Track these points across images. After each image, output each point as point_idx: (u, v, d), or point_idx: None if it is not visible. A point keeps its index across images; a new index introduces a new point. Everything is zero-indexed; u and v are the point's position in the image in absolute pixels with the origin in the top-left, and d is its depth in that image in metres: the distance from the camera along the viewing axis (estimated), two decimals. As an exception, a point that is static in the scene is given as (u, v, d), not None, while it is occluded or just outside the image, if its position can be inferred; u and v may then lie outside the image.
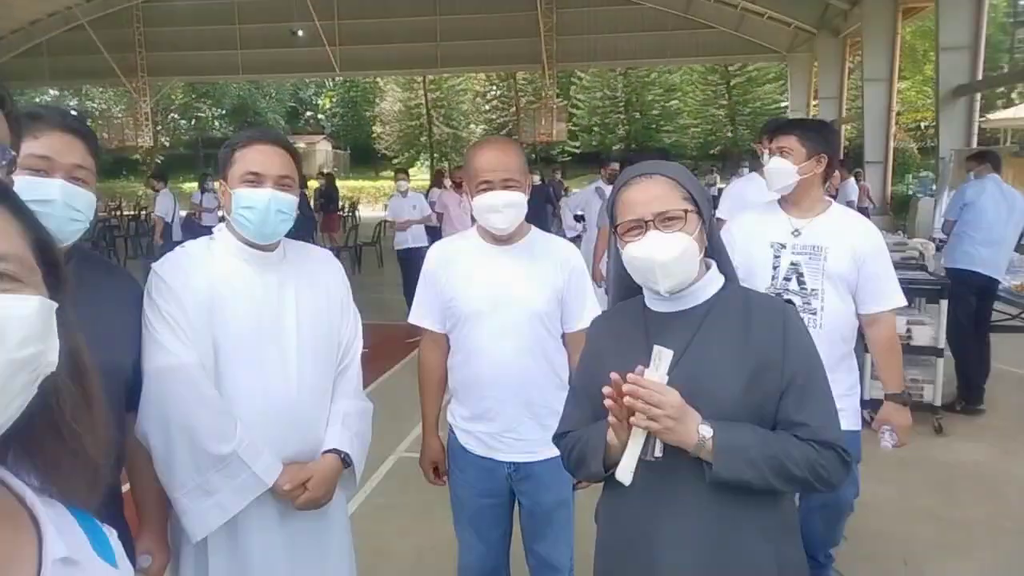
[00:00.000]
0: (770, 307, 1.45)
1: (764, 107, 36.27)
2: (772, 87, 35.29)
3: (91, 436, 0.69)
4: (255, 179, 1.70)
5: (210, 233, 1.84)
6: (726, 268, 1.50)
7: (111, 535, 0.77)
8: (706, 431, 1.29)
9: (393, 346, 6.75)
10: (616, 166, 7.07)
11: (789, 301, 1.52)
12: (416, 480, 2.39)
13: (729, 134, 37.71)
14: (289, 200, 1.73)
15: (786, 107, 24.59)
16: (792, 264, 2.55)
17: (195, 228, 10.03)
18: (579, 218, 7.87)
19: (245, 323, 1.71)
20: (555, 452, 2.09)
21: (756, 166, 5.16)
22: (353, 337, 1.93)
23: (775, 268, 2.58)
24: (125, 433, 1.65)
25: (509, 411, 2.12)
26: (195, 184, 30.38)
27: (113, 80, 24.13)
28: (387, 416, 2.06)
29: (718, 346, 1.39)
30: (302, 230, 10.72)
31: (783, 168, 2.54)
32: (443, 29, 21.35)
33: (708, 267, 1.47)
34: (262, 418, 1.70)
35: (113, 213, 20.17)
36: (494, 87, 40.85)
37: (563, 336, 2.18)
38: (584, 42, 21.20)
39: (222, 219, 1.84)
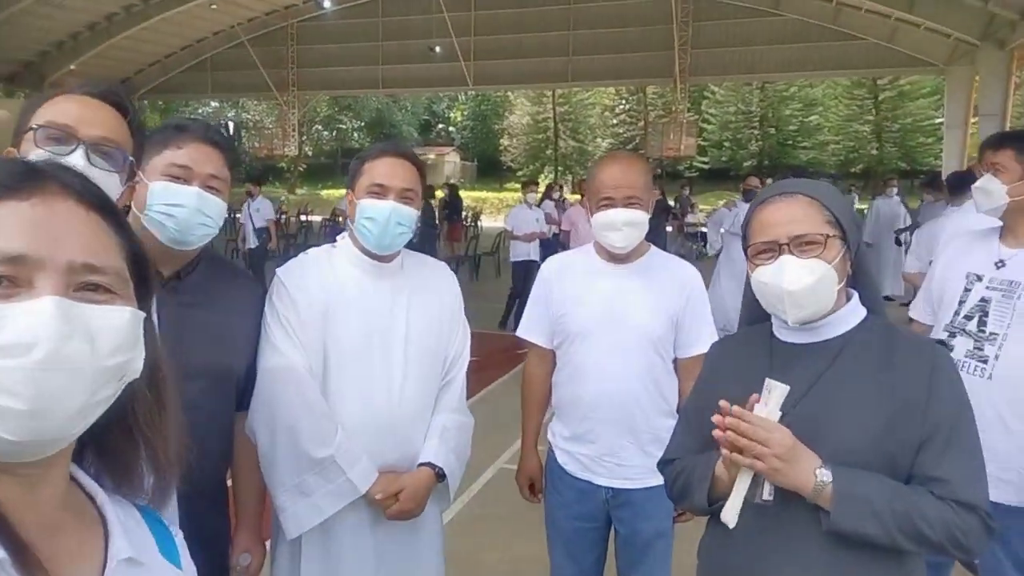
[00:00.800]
0: (917, 346, 1.31)
1: (916, 123, 33.85)
2: (926, 102, 32.86)
3: (162, 441, 0.72)
4: (379, 191, 1.75)
5: None
6: (871, 299, 1.38)
7: (177, 536, 0.79)
8: (825, 475, 1.17)
9: (503, 356, 6.78)
10: (756, 181, 6.76)
11: (941, 343, 1.32)
12: (514, 493, 2.36)
13: (874, 151, 35.43)
14: (409, 213, 1.77)
15: (941, 123, 22.80)
16: (981, 300, 2.18)
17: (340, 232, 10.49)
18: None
19: (356, 331, 1.75)
20: (656, 480, 1.97)
21: (904, 188, 4.69)
22: (461, 350, 1.94)
23: (960, 303, 2.23)
24: (232, 433, 1.72)
25: (611, 434, 2.05)
26: (332, 191, 32.19)
27: (267, 93, 25.99)
28: (490, 426, 2.05)
29: (851, 385, 1.27)
30: (424, 239, 11.08)
31: (991, 188, 2.20)
32: (575, 44, 21.44)
33: (849, 298, 1.34)
34: (363, 426, 1.73)
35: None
36: (623, 101, 40.58)
37: (675, 361, 2.09)
38: (719, 55, 20.59)
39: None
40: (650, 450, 2.00)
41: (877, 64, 19.96)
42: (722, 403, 1.20)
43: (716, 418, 1.21)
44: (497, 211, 30.24)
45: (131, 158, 1.33)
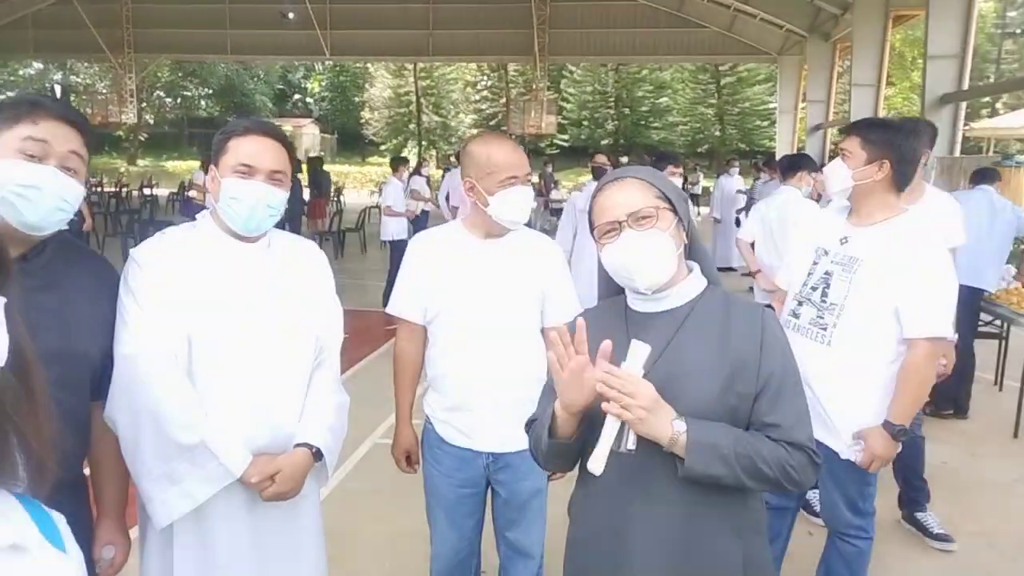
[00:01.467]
0: (748, 310, 1.46)
1: (753, 107, 36.46)
2: (762, 88, 35.44)
3: (34, 428, 0.69)
4: (247, 171, 1.67)
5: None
6: (709, 271, 1.53)
7: (59, 521, 0.77)
8: (680, 426, 1.30)
9: (372, 333, 6.75)
10: (603, 158, 7.09)
11: (769, 306, 1.53)
12: (389, 467, 2.40)
13: (717, 133, 37.87)
14: (279, 196, 1.71)
15: (774, 108, 24.72)
16: (825, 273, 2.39)
17: (196, 209, 9.79)
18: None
19: (221, 312, 1.69)
20: None
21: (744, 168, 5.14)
22: (333, 329, 1.91)
23: (809, 275, 2.46)
24: (88, 422, 1.64)
25: (487, 403, 2.12)
26: (179, 163, 30.15)
27: (99, 55, 23.79)
28: (363, 403, 2.06)
29: (696, 347, 1.41)
30: (291, 216, 10.65)
31: (836, 172, 2.39)
32: (436, 17, 21.24)
33: (691, 270, 1.49)
34: (234, 408, 1.68)
35: (94, 189, 19.91)
36: (485, 77, 40.69)
37: (542, 330, 2.19)
38: (576, 36, 21.19)
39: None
40: (526, 414, 2.10)
41: (718, 51, 21.34)
42: (579, 321, 1.34)
43: (598, 373, 1.32)
44: (360, 185, 29.54)
45: None
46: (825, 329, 2.36)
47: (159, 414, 1.61)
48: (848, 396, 2.33)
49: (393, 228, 8.67)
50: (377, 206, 11.07)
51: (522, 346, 2.13)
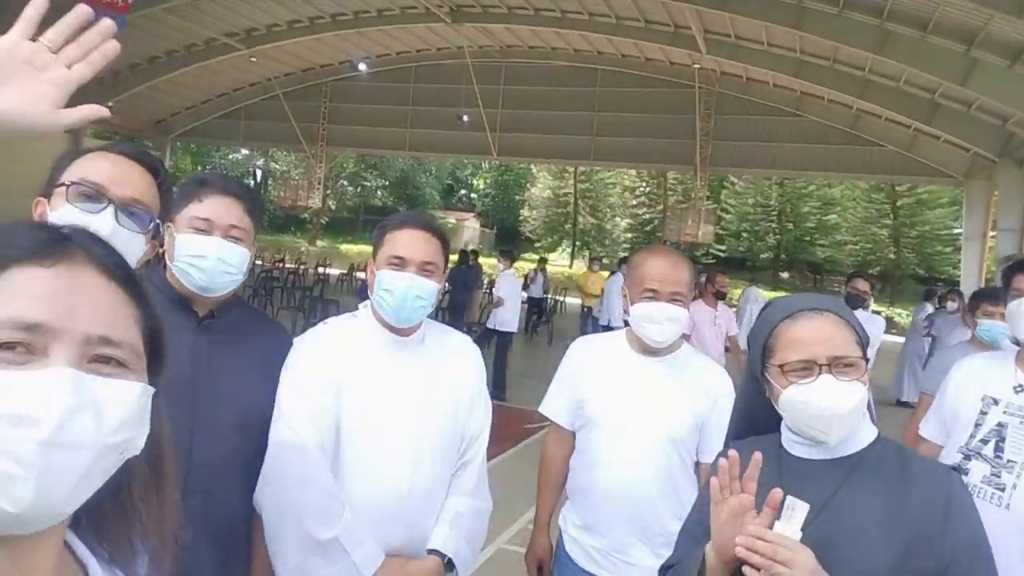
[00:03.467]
0: (932, 471, 1.28)
1: (934, 231, 34.05)
2: (944, 212, 33.11)
3: (157, 519, 0.70)
4: (399, 263, 1.72)
5: None
6: (870, 413, 1.38)
7: None
8: None
9: (510, 430, 6.68)
10: (864, 284, 6.75)
11: (956, 468, 1.32)
12: (513, 574, 2.28)
13: (891, 255, 35.56)
14: (429, 287, 1.73)
15: (959, 234, 22.95)
16: (998, 425, 2.10)
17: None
18: None
19: (370, 407, 1.71)
20: None
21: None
22: (480, 430, 1.88)
23: (977, 426, 2.14)
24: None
25: (622, 530, 1.99)
26: (351, 246, 32.55)
27: (296, 146, 26.63)
28: (492, 503, 1.98)
29: (865, 507, 1.23)
30: (456, 305, 11.02)
31: None
32: (600, 124, 21.96)
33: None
34: (371, 506, 1.68)
35: (276, 265, 21.87)
36: (643, 183, 41.21)
37: (697, 465, 2.04)
38: (740, 148, 21.01)
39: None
40: (660, 552, 1.93)
41: (896, 171, 20.27)
42: (732, 454, 1.20)
43: (741, 539, 1.15)
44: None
45: (157, 220, 1.36)
46: (1003, 489, 2.02)
47: (300, 506, 1.63)
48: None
49: (502, 318, 8.86)
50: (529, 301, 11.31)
51: (667, 477, 1.98)
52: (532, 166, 40.98)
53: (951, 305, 9.54)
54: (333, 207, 42.05)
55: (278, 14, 19.88)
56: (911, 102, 15.72)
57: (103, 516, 0.68)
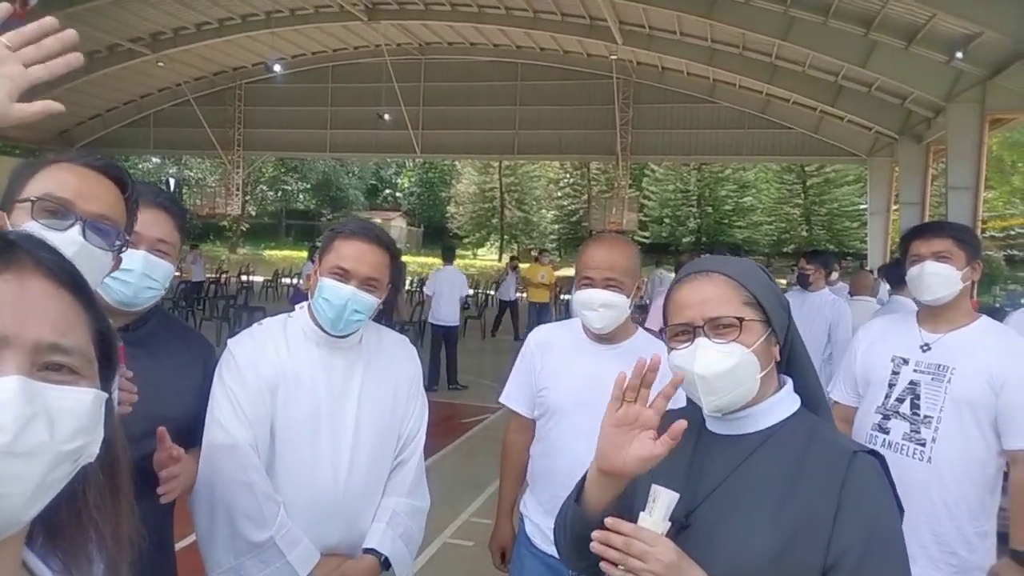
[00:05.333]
0: (832, 451, 1.14)
1: (842, 208, 35.83)
2: (851, 189, 34.89)
3: (113, 526, 0.68)
4: (342, 274, 1.70)
5: None
6: (807, 389, 1.25)
7: None
8: None
9: (448, 425, 6.69)
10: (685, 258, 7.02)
11: (872, 452, 1.17)
12: (460, 569, 2.30)
13: (804, 233, 37.21)
14: (368, 302, 1.72)
15: (865, 209, 24.18)
16: (910, 384, 2.24)
17: (304, 299, 10.29)
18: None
19: (304, 408, 1.70)
20: None
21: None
22: (417, 428, 1.88)
23: (891, 387, 2.28)
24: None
25: None
26: (275, 252, 31.84)
27: (211, 152, 25.79)
28: (434, 498, 1.99)
29: (755, 492, 1.13)
30: (385, 304, 11.01)
31: (947, 276, 2.19)
32: (522, 118, 22.13)
33: (781, 385, 1.23)
34: (306, 506, 1.68)
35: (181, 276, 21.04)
36: (567, 175, 41.73)
37: None
38: (659, 136, 21.57)
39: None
40: None
41: (804, 152, 21.22)
42: (607, 521, 1.08)
43: (596, 532, 1.09)
44: (441, 277, 30.23)
45: (125, 236, 1.30)
46: (923, 444, 2.18)
47: (233, 507, 1.61)
48: (952, 516, 2.13)
49: (437, 314, 9.30)
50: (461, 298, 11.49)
51: None
52: (456, 162, 40.93)
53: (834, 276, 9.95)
54: (253, 213, 40.86)
55: (185, 17, 19.18)
56: (816, 85, 16.46)
57: (57, 525, 0.67)
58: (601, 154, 23.35)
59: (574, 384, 2.05)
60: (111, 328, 0.69)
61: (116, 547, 0.68)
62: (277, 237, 41.67)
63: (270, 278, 22.82)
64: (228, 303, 14.50)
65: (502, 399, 2.26)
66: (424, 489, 1.91)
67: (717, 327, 1.18)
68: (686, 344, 1.20)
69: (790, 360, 1.26)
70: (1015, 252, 27.11)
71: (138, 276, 1.51)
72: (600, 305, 1.98)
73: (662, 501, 1.09)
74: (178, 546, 1.76)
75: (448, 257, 10.19)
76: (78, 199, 1.22)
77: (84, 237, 1.21)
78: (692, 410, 1.27)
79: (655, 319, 5.78)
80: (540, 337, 2.23)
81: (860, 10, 12.14)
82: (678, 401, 1.48)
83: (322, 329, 1.75)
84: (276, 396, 1.69)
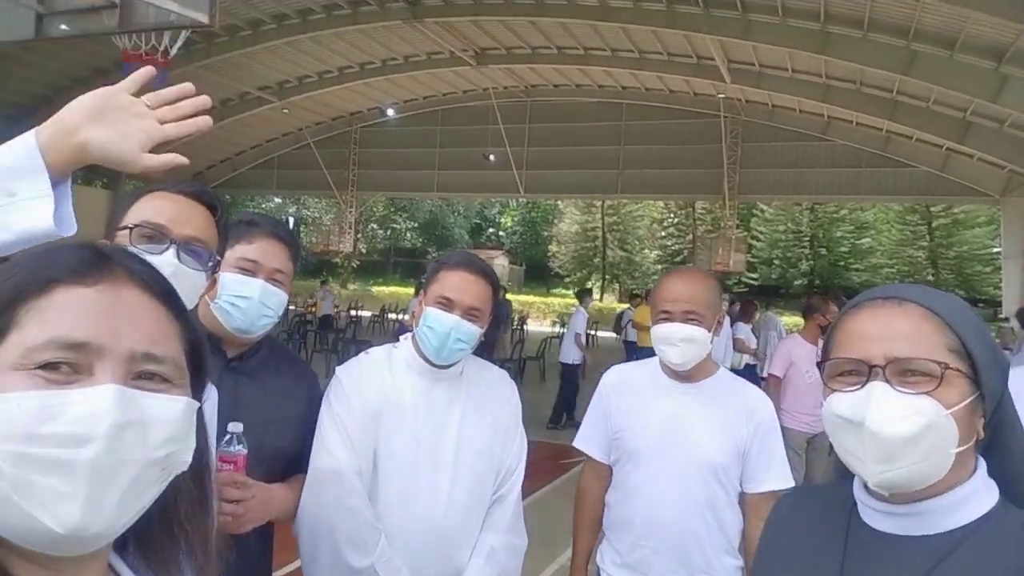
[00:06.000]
0: None
1: (972, 251, 33.42)
2: (982, 231, 32.56)
3: (203, 537, 0.69)
4: (447, 303, 1.73)
5: None
6: (1011, 479, 0.91)
7: None
8: None
9: (546, 466, 6.59)
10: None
11: None
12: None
13: (930, 277, 34.88)
14: (472, 332, 1.74)
15: (998, 253, 22.43)
16: None
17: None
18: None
19: (407, 437, 1.72)
20: None
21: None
22: (516, 464, 1.85)
23: None
24: None
25: (663, 567, 1.90)
26: (383, 288, 32.96)
27: (327, 192, 27.17)
28: (530, 541, 1.93)
29: None
30: (486, 342, 11.21)
31: None
32: (626, 157, 22.09)
33: (975, 470, 0.90)
34: (405, 536, 1.67)
35: (310, 309, 22.13)
36: (672, 215, 41.19)
37: (741, 495, 1.94)
38: (768, 175, 20.93)
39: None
40: None
41: (929, 191, 20.02)
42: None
43: None
44: (544, 316, 30.34)
45: (217, 257, 1.37)
46: None
47: (336, 532, 1.63)
48: None
49: (574, 353, 9.51)
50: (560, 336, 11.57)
51: (710, 508, 1.90)
52: (559, 202, 41.22)
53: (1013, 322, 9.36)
54: (364, 250, 42.63)
55: (308, 66, 20.47)
56: (942, 121, 15.56)
57: (150, 537, 0.67)
58: (707, 193, 22.92)
59: (653, 425, 1.95)
60: (202, 339, 0.71)
61: (205, 558, 0.69)
62: (385, 274, 43.18)
63: (377, 313, 23.62)
64: (338, 336, 15.08)
65: (576, 443, 2.15)
66: (522, 527, 1.86)
67: (905, 372, 0.87)
68: (855, 388, 0.89)
69: (993, 437, 0.92)
70: None
71: (255, 304, 1.57)
72: (680, 340, 1.88)
73: None
74: (276, 574, 1.79)
75: (581, 299, 10.89)
76: (172, 224, 1.29)
77: (178, 259, 1.27)
78: (834, 490, 0.98)
79: (778, 364, 5.33)
80: (615, 377, 2.13)
81: (990, 42, 11.43)
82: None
83: (425, 360, 1.76)
84: (379, 423, 1.71)
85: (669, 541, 1.89)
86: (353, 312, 22.49)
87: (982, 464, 0.91)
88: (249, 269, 1.59)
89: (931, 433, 0.85)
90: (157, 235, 1.29)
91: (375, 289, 36.21)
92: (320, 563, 1.64)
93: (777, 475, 1.89)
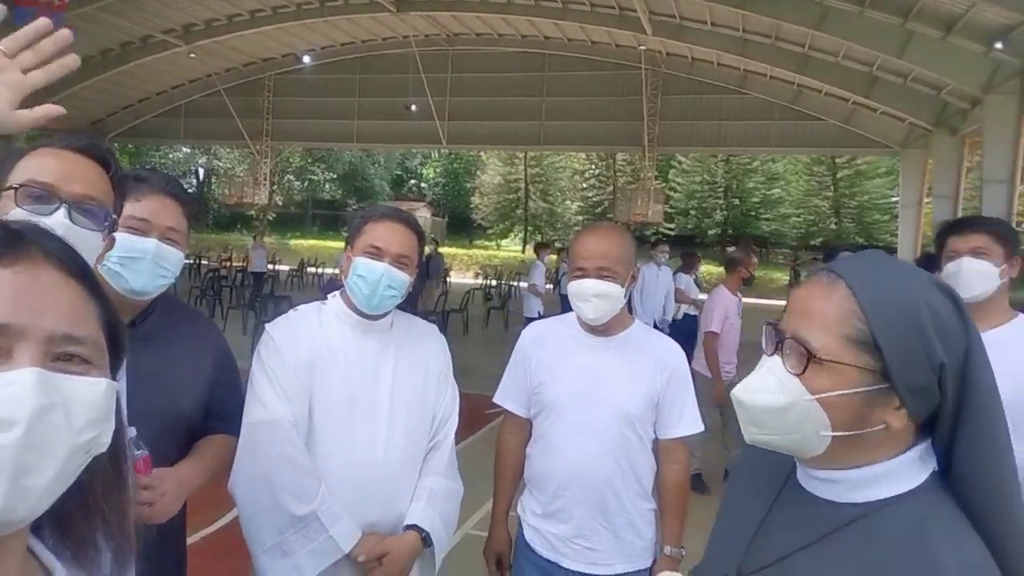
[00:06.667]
0: (918, 561, 0.82)
1: (872, 201, 35.19)
2: (882, 181, 34.23)
3: (120, 516, 0.68)
4: (375, 252, 1.77)
5: None
6: (976, 470, 0.86)
7: None
8: None
9: (473, 416, 6.70)
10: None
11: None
12: (480, 562, 2.28)
13: (833, 226, 36.63)
14: (401, 278, 1.78)
15: (896, 202, 23.74)
16: None
17: (337, 287, 10.29)
18: None
19: (341, 387, 1.75)
20: (628, 567, 1.95)
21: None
22: (449, 412, 1.92)
23: None
24: None
25: (582, 515, 1.97)
26: (301, 241, 32.17)
27: (239, 142, 26.05)
28: (461, 489, 2.00)
29: None
30: (410, 296, 11.11)
31: (984, 272, 2.10)
32: (548, 109, 22.04)
33: (910, 447, 0.90)
34: (346, 482, 1.71)
35: (224, 264, 21.41)
36: (593, 166, 41.52)
37: (655, 441, 2.02)
38: (686, 127, 21.35)
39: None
40: (623, 535, 1.94)
41: (835, 143, 20.89)
42: None
43: None
44: (467, 268, 30.32)
45: (113, 215, 1.30)
46: None
47: (276, 482, 1.64)
48: None
49: (536, 306, 9.80)
50: (483, 288, 11.64)
51: (626, 458, 1.97)
52: (482, 153, 40.91)
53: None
54: (280, 203, 41.26)
55: (218, 8, 19.36)
56: (850, 76, 16.16)
57: (66, 516, 0.66)
58: (627, 145, 23.19)
59: (570, 379, 2.00)
60: (118, 316, 0.69)
61: (123, 536, 0.68)
62: (303, 227, 42.04)
63: (296, 267, 23.05)
64: (254, 292, 14.67)
65: (496, 399, 2.18)
66: (457, 473, 1.93)
67: (795, 353, 0.90)
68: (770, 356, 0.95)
69: (958, 424, 0.87)
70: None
71: (149, 264, 1.52)
72: (593, 296, 1.92)
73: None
74: (189, 540, 1.78)
75: (538, 252, 11.47)
76: (60, 182, 1.22)
77: (70, 219, 1.20)
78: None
79: (716, 320, 5.28)
80: (534, 333, 2.17)
81: (897, -1, 11.90)
82: None
83: (356, 312, 1.80)
84: (313, 374, 1.73)
85: (587, 490, 1.95)
86: (271, 266, 21.88)
87: (920, 448, 0.90)
88: (140, 228, 1.52)
89: (793, 412, 0.89)
90: (45, 195, 1.20)
91: (293, 242, 35.24)
92: (260, 515, 1.66)
93: (688, 422, 1.99)
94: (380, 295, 1.76)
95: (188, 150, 40.90)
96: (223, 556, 1.75)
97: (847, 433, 0.87)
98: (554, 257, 13.49)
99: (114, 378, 0.66)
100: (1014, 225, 13.11)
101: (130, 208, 1.50)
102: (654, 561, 2.00)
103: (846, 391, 0.86)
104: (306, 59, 22.32)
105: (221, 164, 41.66)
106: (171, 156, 41.31)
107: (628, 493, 1.96)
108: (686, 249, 11.79)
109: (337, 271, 11.57)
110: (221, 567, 2.52)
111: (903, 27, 12.26)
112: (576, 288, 1.95)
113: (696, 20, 16.43)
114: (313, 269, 23.48)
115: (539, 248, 11.84)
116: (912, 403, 0.86)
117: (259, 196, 26.94)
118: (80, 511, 0.66)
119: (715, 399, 5.28)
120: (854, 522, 0.88)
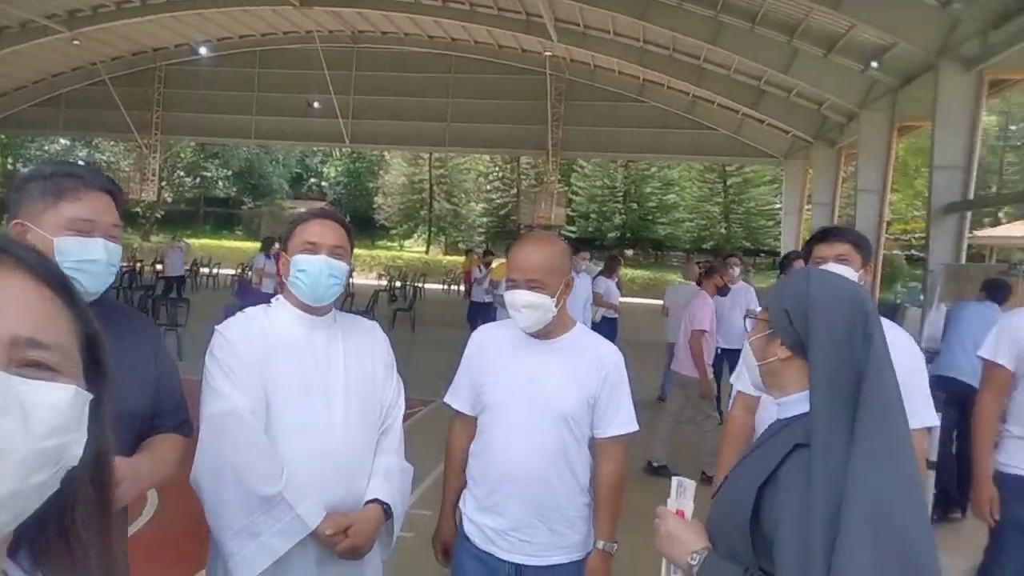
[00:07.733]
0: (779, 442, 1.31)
1: (758, 207, 37.32)
2: (767, 189, 36.38)
3: (101, 546, 0.65)
4: (312, 247, 1.85)
5: (268, 298, 1.99)
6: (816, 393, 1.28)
7: None
8: (694, 558, 1.31)
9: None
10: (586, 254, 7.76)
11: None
12: (400, 560, 2.30)
13: (723, 230, 38.60)
14: (341, 267, 1.87)
15: (779, 209, 25.33)
16: None
17: (252, 292, 9.64)
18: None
19: (296, 376, 1.81)
20: (562, 558, 2.06)
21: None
22: (396, 398, 2.01)
23: None
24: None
25: (518, 510, 2.05)
26: (193, 240, 30.71)
27: (126, 135, 24.67)
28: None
29: (742, 471, 1.36)
30: None
31: (847, 275, 2.18)
32: (454, 111, 22.12)
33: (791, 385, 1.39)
34: (306, 463, 1.77)
35: (134, 265, 19.84)
36: (497, 168, 41.84)
37: (591, 439, 2.11)
38: (588, 133, 22.00)
39: (281, 286, 1.97)
40: (557, 528, 2.03)
41: (726, 152, 22.09)
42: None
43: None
44: (368, 268, 29.84)
45: None
46: None
47: (241, 467, 1.69)
48: None
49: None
50: (388, 290, 11.46)
51: (562, 455, 2.06)
52: (385, 153, 40.42)
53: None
54: (170, 200, 39.24)
55: (104, -8, 18.29)
56: (740, 88, 17.18)
57: (44, 542, 0.63)
58: (531, 149, 23.62)
59: (512, 380, 2.08)
60: (99, 332, 0.67)
61: (102, 567, 0.64)
62: (194, 225, 40.15)
63: (190, 267, 21.95)
64: (146, 294, 13.40)
65: (446, 399, 2.26)
66: (404, 455, 2.02)
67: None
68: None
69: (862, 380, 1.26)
70: (915, 252, 28.95)
71: (104, 265, 1.52)
72: (523, 306, 2.01)
73: (681, 491, 1.39)
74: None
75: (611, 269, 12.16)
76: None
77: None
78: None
79: (708, 322, 5.70)
80: (482, 335, 2.27)
81: (785, 18, 12.74)
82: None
83: (301, 308, 1.87)
84: (267, 366, 1.79)
85: (522, 486, 2.04)
86: (159, 267, 20.67)
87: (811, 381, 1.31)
88: (85, 230, 1.50)
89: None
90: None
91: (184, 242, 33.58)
92: (226, 500, 1.69)
93: (622, 422, 2.10)
94: (324, 284, 1.84)
95: (67, 142, 38.22)
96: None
97: (764, 362, 1.40)
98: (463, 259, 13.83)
99: (99, 395, 0.64)
100: (883, 231, 14.25)
101: (72, 209, 1.49)
102: (588, 553, 2.10)
103: (759, 335, 1.43)
104: (202, 50, 21.41)
105: (104, 157, 39.12)
106: (48, 148, 38.50)
107: (563, 489, 2.05)
108: (610, 253, 12.17)
109: (236, 271, 10.94)
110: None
111: (790, 44, 13.14)
112: (509, 298, 2.06)
113: (599, 29, 16.99)
114: (207, 270, 22.35)
115: (486, 256, 12.84)
116: (790, 343, 1.36)
117: (147, 192, 25.57)
118: (60, 537, 0.63)
119: (701, 393, 5.65)
120: (778, 432, 1.33)
